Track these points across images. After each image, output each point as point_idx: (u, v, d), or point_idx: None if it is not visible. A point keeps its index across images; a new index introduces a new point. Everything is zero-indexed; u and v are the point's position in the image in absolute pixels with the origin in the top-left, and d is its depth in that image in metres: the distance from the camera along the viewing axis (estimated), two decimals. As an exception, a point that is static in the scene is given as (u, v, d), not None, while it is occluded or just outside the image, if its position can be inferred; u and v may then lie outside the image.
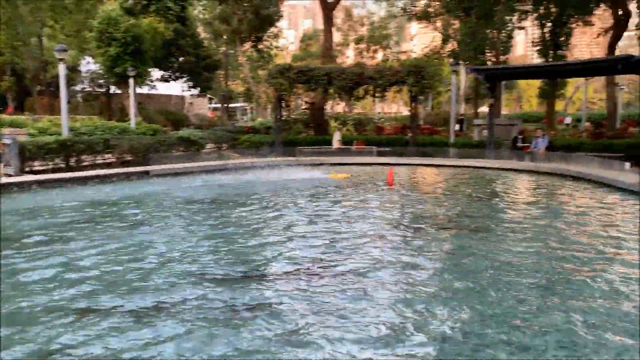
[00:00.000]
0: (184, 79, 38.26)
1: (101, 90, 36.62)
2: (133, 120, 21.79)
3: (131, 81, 23.15)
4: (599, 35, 28.96)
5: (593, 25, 30.68)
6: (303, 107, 31.74)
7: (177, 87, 41.02)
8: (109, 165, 18.06)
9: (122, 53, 25.73)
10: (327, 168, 19.03)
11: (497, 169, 18.19)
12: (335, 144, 23.24)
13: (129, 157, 18.70)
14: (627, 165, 15.84)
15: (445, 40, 41.79)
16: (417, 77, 22.21)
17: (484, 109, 38.74)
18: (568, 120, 40.10)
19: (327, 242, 8.05)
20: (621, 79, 40.58)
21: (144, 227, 9.26)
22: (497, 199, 12.85)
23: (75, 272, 6.48)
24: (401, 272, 6.55)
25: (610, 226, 9.43)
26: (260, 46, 42.62)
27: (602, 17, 32.69)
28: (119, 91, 31.09)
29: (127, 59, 25.66)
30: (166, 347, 4.43)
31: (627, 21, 24.10)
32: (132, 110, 23.13)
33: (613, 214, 10.84)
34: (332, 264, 6.89)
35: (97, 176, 15.53)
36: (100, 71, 31.20)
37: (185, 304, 5.45)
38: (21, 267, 6.68)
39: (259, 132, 28.38)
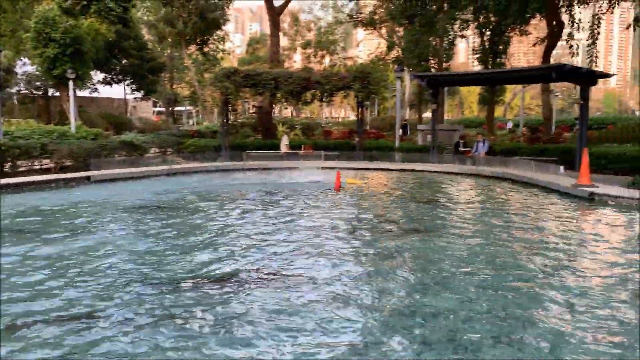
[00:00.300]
0: (127, 81, 37.27)
1: (39, 92, 35.12)
2: (73, 124, 21.01)
3: (71, 83, 22.30)
4: (535, 44, 30.25)
5: (529, 34, 32.05)
6: (250, 111, 31.61)
7: (120, 90, 39.89)
8: (47, 171, 17.34)
9: (61, 54, 24.80)
10: (279, 173, 19.04)
11: (440, 172, 18.71)
12: (283, 148, 23.24)
13: (68, 163, 18.02)
14: (561, 168, 16.65)
15: (390, 47, 42.67)
16: (363, 83, 22.53)
17: (427, 114, 39.78)
18: (509, 125, 41.75)
19: (270, 246, 8.06)
20: (556, 86, 42.63)
21: (82, 234, 8.96)
22: (439, 201, 13.20)
23: (6, 282, 6.21)
24: (338, 267, 6.65)
25: (544, 224, 9.95)
26: (206, 49, 42.14)
27: (538, 26, 34.18)
28: (57, 94, 29.91)
29: (66, 61, 24.75)
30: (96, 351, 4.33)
31: (561, 31, 25.31)
32: (71, 113, 22.32)
33: (547, 213, 11.40)
34: (269, 269, 6.90)
35: (34, 182, 14.89)
36: (38, 73, 29.93)
37: (123, 308, 5.33)
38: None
39: (205, 136, 27.99)
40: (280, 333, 4.78)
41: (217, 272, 6.75)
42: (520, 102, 40.10)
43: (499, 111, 51.53)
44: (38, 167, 17.74)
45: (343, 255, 7.55)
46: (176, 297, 5.76)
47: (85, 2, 28.50)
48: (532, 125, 39.22)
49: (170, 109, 47.95)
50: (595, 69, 22.50)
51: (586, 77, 18.45)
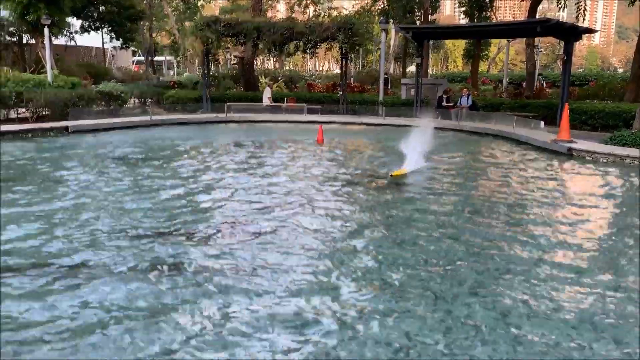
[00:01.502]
0: (105, 29, 36.12)
1: (13, 39, 33.89)
2: (50, 73, 20.41)
3: (46, 30, 21.51)
4: (521, -2, 29.92)
5: (516, -13, 31.60)
6: (232, 62, 30.98)
7: (98, 39, 38.67)
8: (24, 120, 16.97)
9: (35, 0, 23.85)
10: (253, 126, 18.91)
11: (423, 127, 18.70)
12: (266, 100, 22.97)
13: (46, 112, 17.63)
14: (542, 124, 16.80)
15: (375, -2, 41.73)
16: (348, 34, 22.12)
17: (411, 68, 39.45)
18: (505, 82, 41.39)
19: (253, 198, 8.10)
20: (541, 41, 42.40)
21: (61, 185, 8.89)
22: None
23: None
24: (320, 218, 6.75)
25: (517, 178, 10.14)
26: (186, -4, 40.84)
27: (525, -20, 33.66)
28: (33, 41, 28.92)
29: (40, 7, 23.81)
30: (90, 303, 4.39)
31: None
32: (48, 62, 21.65)
33: (523, 167, 11.58)
34: (253, 220, 6.96)
35: (10, 132, 14.61)
36: (11, 19, 28.80)
37: (112, 259, 5.37)
38: None
39: (185, 88, 27.49)
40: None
41: (194, 222, 6.80)
42: (505, 57, 39.88)
43: (483, 66, 51.28)
44: (14, 116, 17.35)
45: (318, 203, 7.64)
46: (156, 247, 5.80)
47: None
48: (515, 80, 39.20)
49: (149, 58, 46.79)
50: (581, 24, 22.39)
51: (570, 32, 18.39)
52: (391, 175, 9.56)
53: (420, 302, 4.54)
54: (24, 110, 17.44)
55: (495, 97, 25.48)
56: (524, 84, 30.05)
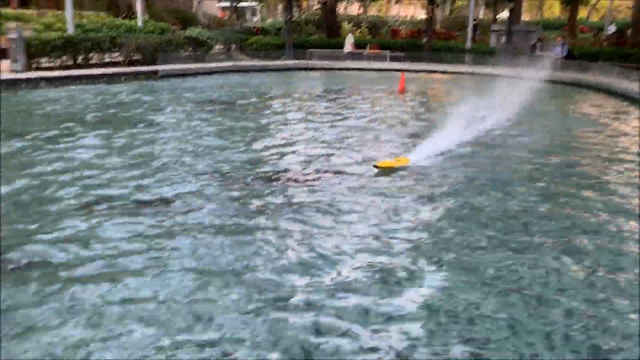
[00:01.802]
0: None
1: (106, -15, 35.18)
2: (140, 19, 21.10)
3: (137, -24, 22.15)
4: None
5: None
6: (315, 7, 30.53)
7: (185, -15, 39.29)
8: (116, 64, 17.76)
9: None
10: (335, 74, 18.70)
11: (513, 77, 17.70)
12: (348, 47, 22.57)
13: (136, 57, 18.34)
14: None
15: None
16: (436, -23, 21.07)
17: (503, 14, 37.08)
18: (611, 29, 38.02)
19: (333, 144, 8.08)
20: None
21: (152, 126, 9.28)
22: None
23: (83, 168, 6.58)
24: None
25: (612, 135, 9.42)
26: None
27: None
28: (125, -13, 29.87)
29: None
30: (179, 237, 4.59)
31: None
32: (139, 7, 22.35)
33: (619, 123, 10.72)
34: (333, 166, 6.93)
35: (105, 75, 15.36)
36: (104, -35, 29.80)
37: (195, 197, 5.58)
38: (33, 159, 6.81)
39: (268, 34, 27.52)
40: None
41: (278, 163, 6.89)
42: (608, 3, 36.48)
43: (582, 12, 47.35)
44: (108, 60, 18.17)
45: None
46: (238, 188, 5.95)
47: None
48: (618, 28, 35.88)
49: (234, 4, 47.09)
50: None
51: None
52: (375, 166, 6.66)
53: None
54: (116, 54, 18.21)
55: (595, 46, 23.54)
56: (628, 32, 27.46)
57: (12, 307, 3.42)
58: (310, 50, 21.45)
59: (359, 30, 28.14)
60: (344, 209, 5.35)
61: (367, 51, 22.37)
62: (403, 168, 6.74)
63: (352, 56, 21.83)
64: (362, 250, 4.41)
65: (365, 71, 19.49)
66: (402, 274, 4.02)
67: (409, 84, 14.73)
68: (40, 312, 3.37)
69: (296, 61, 20.55)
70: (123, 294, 3.63)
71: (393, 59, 20.75)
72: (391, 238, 4.67)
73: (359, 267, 4.10)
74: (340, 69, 19.76)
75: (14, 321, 3.27)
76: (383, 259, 4.25)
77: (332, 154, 7.53)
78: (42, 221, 4.85)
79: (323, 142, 8.31)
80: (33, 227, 4.72)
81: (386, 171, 6.54)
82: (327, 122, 9.98)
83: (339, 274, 4.00)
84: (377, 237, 4.68)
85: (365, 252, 4.39)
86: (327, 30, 26.90)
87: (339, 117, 10.44)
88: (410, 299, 3.64)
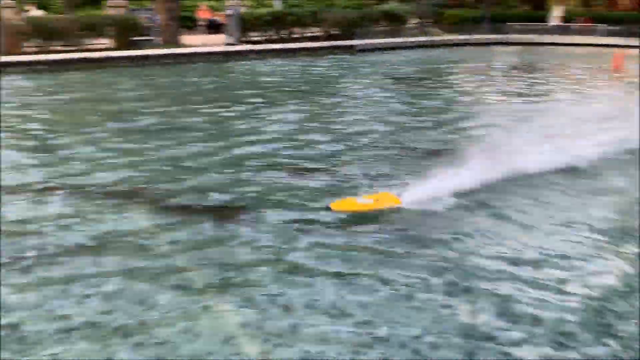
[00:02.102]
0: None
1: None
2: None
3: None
4: None
5: None
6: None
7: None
8: (316, 38, 18.64)
9: None
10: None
11: None
12: (553, 20, 20.65)
13: (334, 31, 19.03)
14: None
15: None
16: None
17: None
18: None
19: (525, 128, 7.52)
20: None
21: (346, 97, 9.61)
22: None
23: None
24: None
25: None
26: None
27: None
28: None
29: None
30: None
31: None
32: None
33: None
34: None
35: (305, 49, 16.27)
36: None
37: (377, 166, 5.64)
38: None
39: (466, 7, 26.37)
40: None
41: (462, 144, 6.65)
42: None
43: None
44: (309, 34, 19.15)
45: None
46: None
47: None
48: None
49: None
50: None
51: None
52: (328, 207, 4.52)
53: None
54: (316, 28, 19.09)
55: None
56: None
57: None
58: (509, 23, 20.10)
59: (569, 2, 25.51)
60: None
61: (577, 25, 20.20)
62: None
63: (557, 29, 19.95)
64: None
65: (571, 46, 17.74)
66: None
67: (628, 64, 13.02)
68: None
69: (493, 35, 19.47)
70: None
71: (608, 33, 18.47)
72: None
73: None
74: (542, 44, 18.27)
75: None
76: None
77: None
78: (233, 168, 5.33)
79: (514, 122, 7.79)
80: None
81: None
82: (519, 100, 9.35)
83: None
84: None
85: None
86: (533, 2, 24.91)
87: (533, 97, 9.72)
88: None
